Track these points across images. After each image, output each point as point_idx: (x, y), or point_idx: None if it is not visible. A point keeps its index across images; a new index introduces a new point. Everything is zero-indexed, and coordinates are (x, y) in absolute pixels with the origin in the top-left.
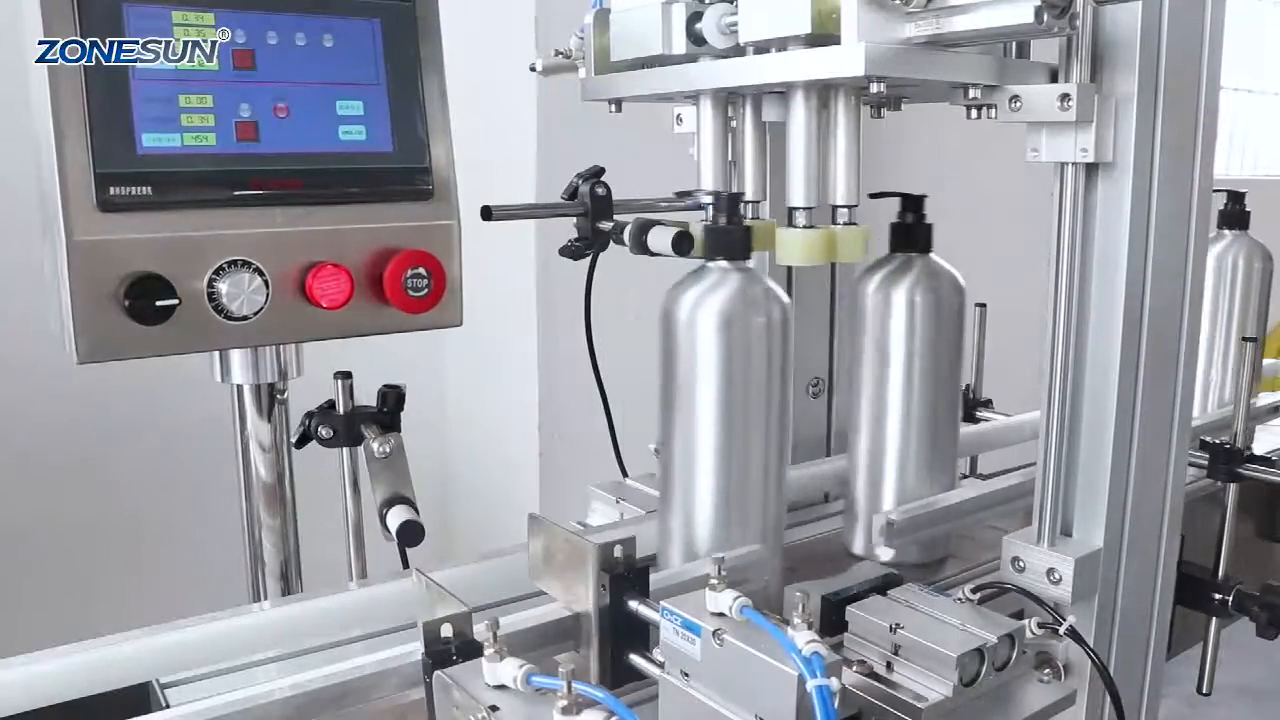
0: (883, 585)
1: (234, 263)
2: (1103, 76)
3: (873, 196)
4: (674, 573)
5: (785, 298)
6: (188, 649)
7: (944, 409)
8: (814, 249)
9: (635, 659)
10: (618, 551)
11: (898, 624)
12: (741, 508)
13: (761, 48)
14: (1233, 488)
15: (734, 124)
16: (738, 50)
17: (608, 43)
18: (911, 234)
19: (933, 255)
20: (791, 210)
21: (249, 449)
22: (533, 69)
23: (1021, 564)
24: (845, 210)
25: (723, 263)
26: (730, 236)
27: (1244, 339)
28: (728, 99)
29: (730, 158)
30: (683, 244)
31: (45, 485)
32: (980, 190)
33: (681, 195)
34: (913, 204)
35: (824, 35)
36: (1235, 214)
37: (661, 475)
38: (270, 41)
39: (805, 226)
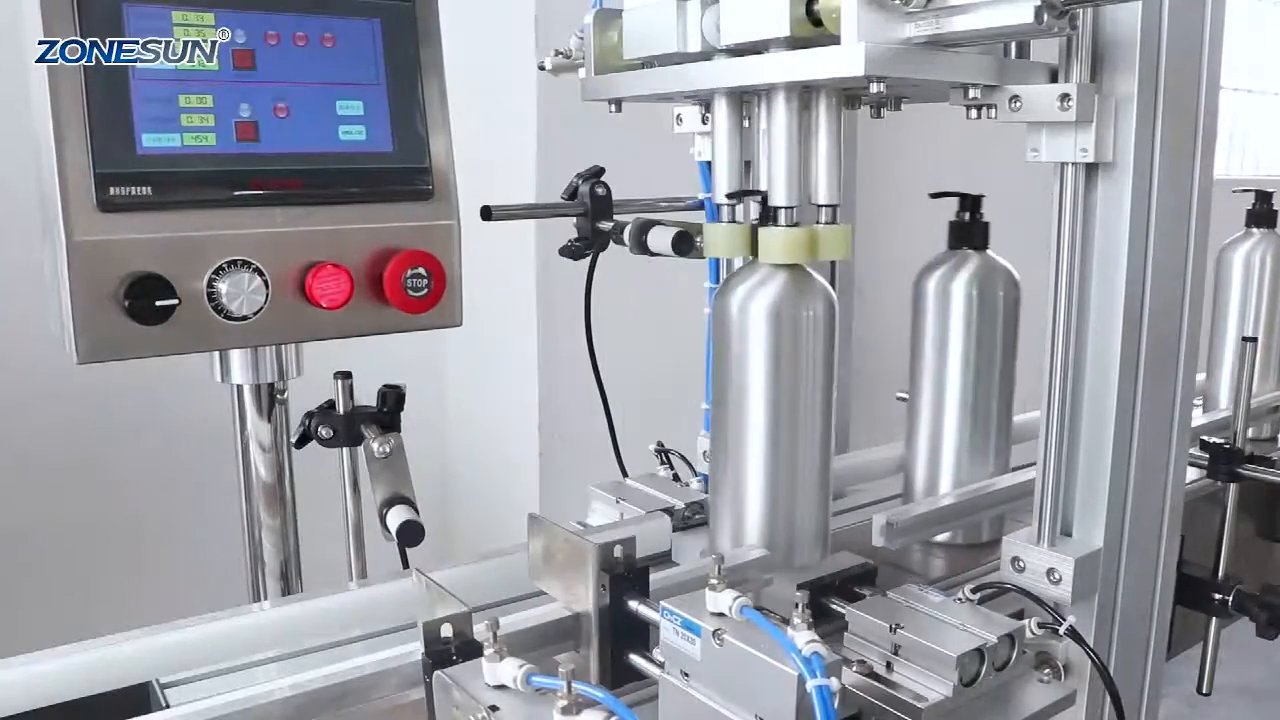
0: (860, 575)
1: (234, 263)
2: (1103, 76)
3: (933, 196)
4: (674, 572)
5: (832, 293)
6: (188, 649)
7: (999, 399)
8: (796, 247)
9: (635, 659)
10: (618, 551)
11: (898, 624)
12: (790, 494)
13: (739, 50)
14: (1233, 488)
15: (747, 123)
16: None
17: (608, 42)
18: (968, 231)
19: (989, 251)
20: (775, 209)
21: (249, 449)
22: (541, 68)
23: (1021, 564)
24: (827, 209)
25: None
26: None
27: (1244, 339)
28: (742, 98)
29: (744, 157)
30: (682, 244)
31: (45, 485)
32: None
33: (733, 197)
34: (970, 203)
35: (802, 37)
36: (1263, 213)
37: (711, 465)
38: (270, 41)
39: (789, 225)
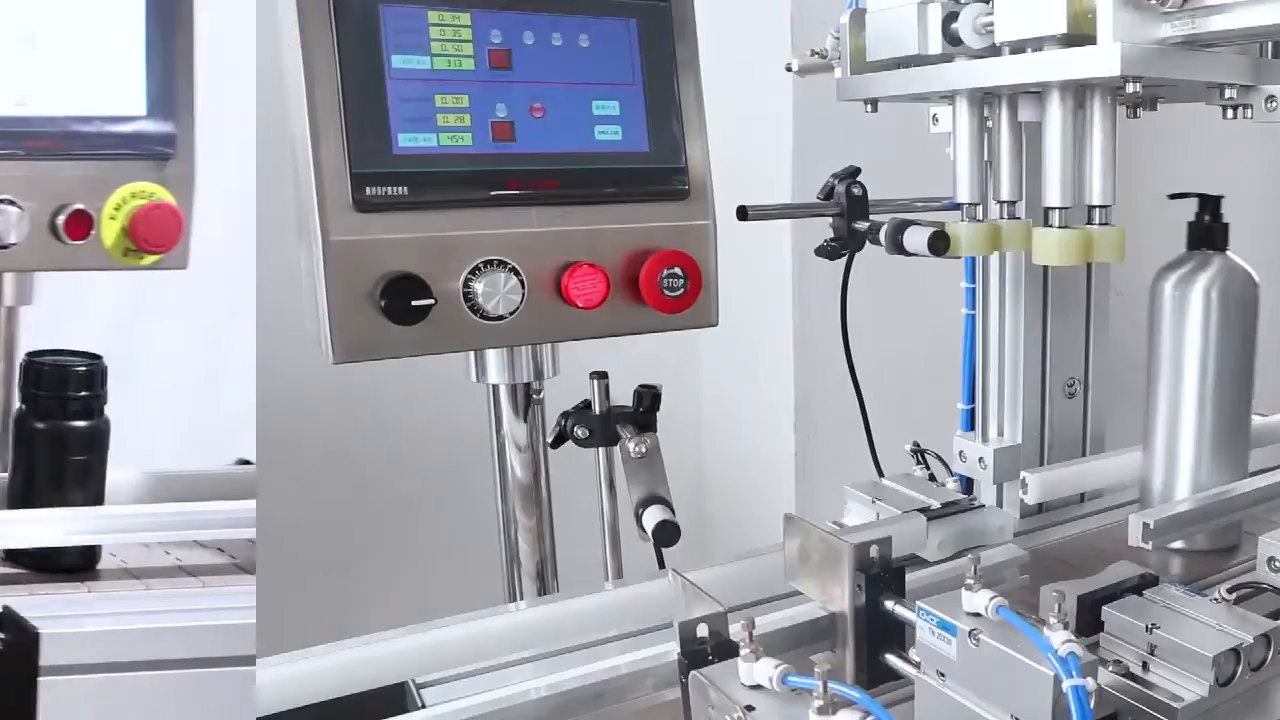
0: (1138, 585)
1: (489, 263)
2: None
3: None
4: (929, 572)
5: (1256, 278)
6: (444, 649)
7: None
8: (1070, 249)
9: (891, 659)
10: (874, 551)
11: (1154, 624)
12: (1215, 454)
13: (1017, 48)
14: None
15: (990, 124)
16: (993, 50)
17: (863, 42)
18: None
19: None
20: (1047, 210)
21: (505, 449)
22: (789, 69)
23: (1278, 564)
24: (1101, 210)
25: (1206, 251)
26: (1213, 231)
27: None
28: (983, 99)
29: (986, 158)
30: (938, 244)
31: (305, 483)
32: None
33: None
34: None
35: (1080, 35)
36: None
37: (1146, 429)
38: (526, 41)
39: (1061, 227)
